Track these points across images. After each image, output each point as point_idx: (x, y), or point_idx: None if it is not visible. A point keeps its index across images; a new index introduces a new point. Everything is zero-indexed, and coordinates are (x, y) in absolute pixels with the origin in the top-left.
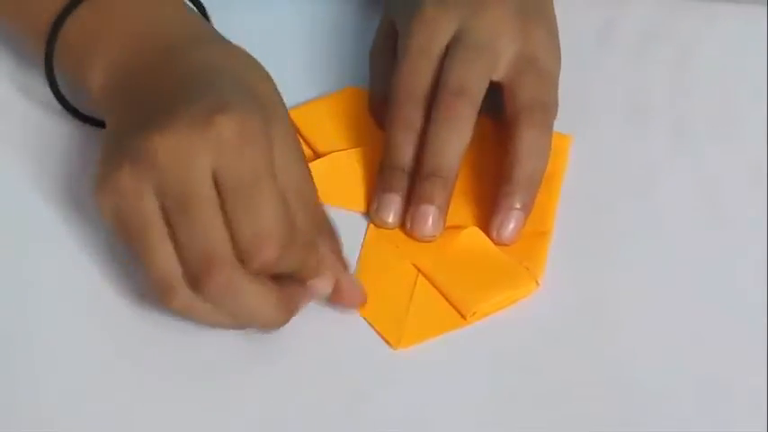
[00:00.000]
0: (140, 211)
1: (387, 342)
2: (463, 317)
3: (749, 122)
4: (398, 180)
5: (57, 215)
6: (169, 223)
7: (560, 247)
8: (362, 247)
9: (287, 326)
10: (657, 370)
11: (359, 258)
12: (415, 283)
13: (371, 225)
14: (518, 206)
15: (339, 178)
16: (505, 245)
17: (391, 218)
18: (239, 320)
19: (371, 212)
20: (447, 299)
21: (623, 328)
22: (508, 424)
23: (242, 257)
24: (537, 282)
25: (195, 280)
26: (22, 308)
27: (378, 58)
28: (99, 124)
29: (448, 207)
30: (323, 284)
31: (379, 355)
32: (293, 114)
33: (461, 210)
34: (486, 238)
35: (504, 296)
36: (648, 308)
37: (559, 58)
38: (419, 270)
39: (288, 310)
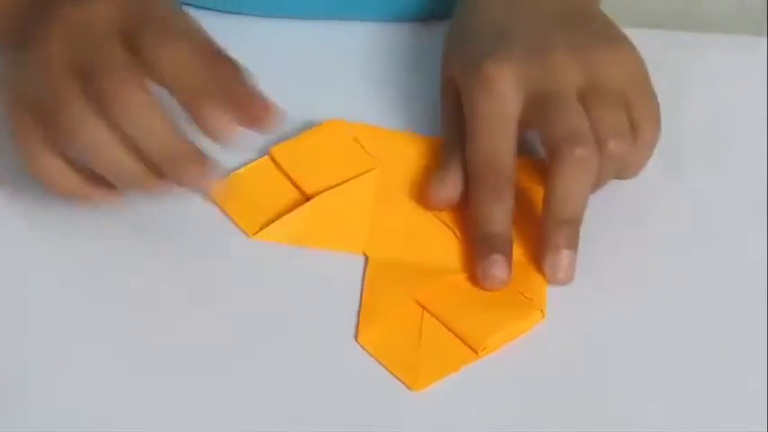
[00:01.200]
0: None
1: (404, 384)
2: (474, 352)
3: (744, 153)
4: (501, 244)
5: None
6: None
7: None
8: (363, 288)
9: (297, 364)
10: (659, 395)
11: (361, 300)
12: (422, 321)
13: (370, 264)
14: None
15: (332, 219)
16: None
17: (504, 274)
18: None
19: (480, 275)
20: (456, 334)
21: (624, 354)
22: None
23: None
24: (542, 312)
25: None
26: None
27: (449, 119)
28: None
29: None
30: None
31: (393, 394)
32: (276, 152)
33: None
34: None
35: (512, 328)
36: (648, 333)
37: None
38: (423, 307)
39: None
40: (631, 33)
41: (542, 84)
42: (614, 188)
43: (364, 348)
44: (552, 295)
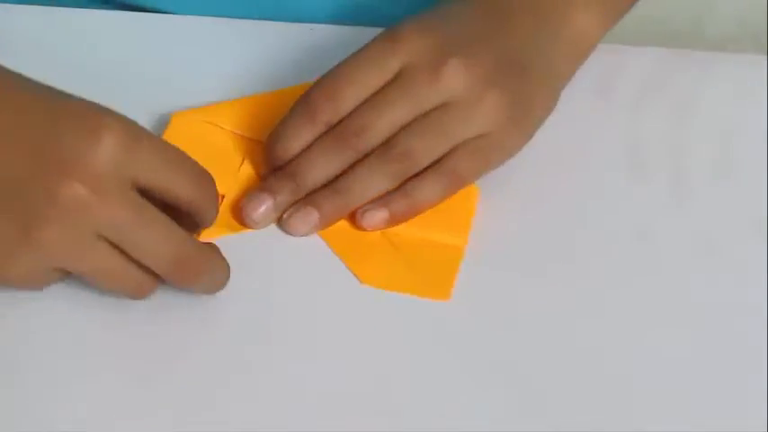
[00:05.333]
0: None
1: (434, 298)
2: (459, 247)
3: (747, 170)
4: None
5: None
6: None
7: (566, 292)
8: (328, 243)
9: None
10: (659, 398)
11: (336, 252)
12: (392, 244)
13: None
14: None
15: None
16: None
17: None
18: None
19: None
20: (431, 240)
21: (627, 359)
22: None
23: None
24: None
25: (172, 275)
26: None
27: None
28: None
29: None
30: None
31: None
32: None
33: None
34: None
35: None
36: (651, 342)
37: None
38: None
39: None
40: (636, 53)
41: (417, 62)
42: (619, 205)
43: (371, 286)
44: (554, 310)
